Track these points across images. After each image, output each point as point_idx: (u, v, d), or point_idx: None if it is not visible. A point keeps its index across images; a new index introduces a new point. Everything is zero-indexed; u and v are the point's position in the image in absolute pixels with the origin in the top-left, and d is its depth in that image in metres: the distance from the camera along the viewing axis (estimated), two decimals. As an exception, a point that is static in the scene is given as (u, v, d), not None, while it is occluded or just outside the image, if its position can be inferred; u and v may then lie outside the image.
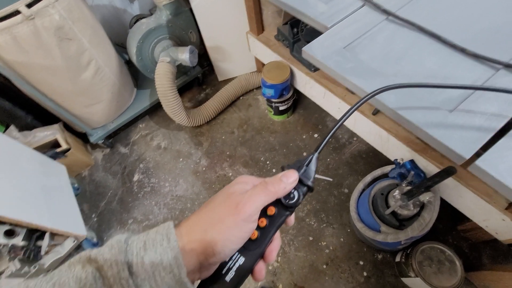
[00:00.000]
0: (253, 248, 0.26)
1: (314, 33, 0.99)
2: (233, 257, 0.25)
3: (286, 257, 1.05)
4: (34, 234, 1.00)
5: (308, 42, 0.58)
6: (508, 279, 0.79)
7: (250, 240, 0.26)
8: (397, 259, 0.96)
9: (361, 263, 1.01)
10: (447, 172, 0.65)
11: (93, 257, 0.23)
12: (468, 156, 0.44)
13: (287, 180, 0.27)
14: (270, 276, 1.02)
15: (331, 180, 1.19)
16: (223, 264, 0.26)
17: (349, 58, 0.52)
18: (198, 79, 1.61)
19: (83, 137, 1.48)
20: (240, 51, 1.46)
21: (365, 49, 0.54)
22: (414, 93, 0.51)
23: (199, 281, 0.26)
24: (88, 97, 1.25)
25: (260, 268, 0.26)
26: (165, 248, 0.23)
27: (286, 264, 1.04)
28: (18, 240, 0.94)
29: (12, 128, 1.21)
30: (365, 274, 0.99)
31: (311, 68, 1.11)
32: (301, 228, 1.10)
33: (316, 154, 0.29)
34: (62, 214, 1.09)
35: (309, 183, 0.28)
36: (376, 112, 0.95)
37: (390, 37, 0.56)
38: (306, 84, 1.18)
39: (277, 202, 0.27)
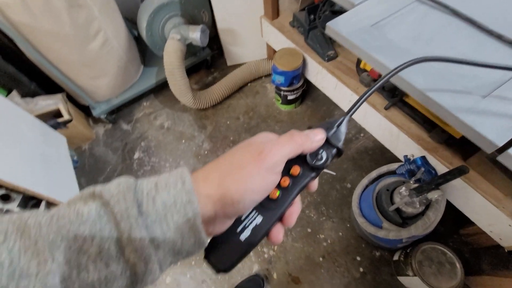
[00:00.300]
0: (273, 208, 0.24)
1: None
2: (250, 216, 0.24)
3: (282, 247, 1.04)
4: (30, 201, 0.98)
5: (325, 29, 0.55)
6: (509, 285, 0.78)
7: (270, 199, 0.24)
8: (395, 257, 0.95)
9: (358, 258, 0.99)
10: (460, 171, 0.63)
11: (98, 193, 0.20)
12: (501, 143, 0.42)
13: (314, 137, 0.25)
14: (265, 264, 1.01)
15: (335, 174, 1.17)
16: (238, 222, 0.24)
17: (377, 36, 0.49)
18: (207, 61, 1.57)
19: (85, 110, 1.45)
20: (252, 36, 1.42)
21: (393, 29, 0.51)
22: (445, 75, 0.48)
23: (210, 238, 0.24)
24: (93, 69, 1.22)
25: (278, 230, 0.24)
26: (179, 191, 0.21)
27: (282, 253, 1.03)
28: (13, 206, 0.92)
29: (14, 93, 1.18)
30: (361, 270, 0.97)
31: (325, 57, 1.08)
32: (300, 219, 1.09)
33: (347, 117, 0.27)
34: (60, 185, 1.08)
35: (339, 145, 0.26)
36: (388, 106, 0.92)
37: (421, 18, 0.53)
38: (317, 74, 1.15)
39: (302, 162, 0.25)
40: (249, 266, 1.01)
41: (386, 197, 0.84)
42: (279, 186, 0.24)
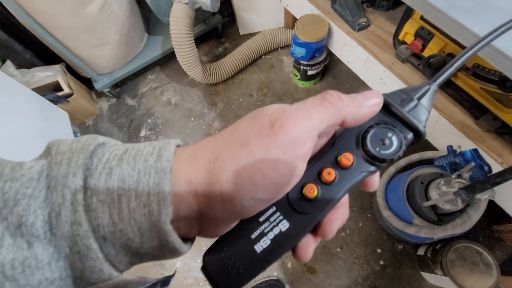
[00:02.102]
0: (307, 212, 0.16)
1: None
2: (272, 218, 0.16)
3: (297, 235, 0.99)
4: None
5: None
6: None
7: (303, 198, 0.16)
8: (420, 252, 0.89)
9: (379, 251, 0.94)
10: (522, 169, 0.53)
11: (50, 147, 0.15)
12: None
13: (365, 101, 0.16)
14: (279, 253, 0.97)
15: (356, 159, 1.08)
16: (253, 223, 0.16)
17: None
18: (217, 30, 1.42)
19: (87, 83, 1.35)
20: (268, 1, 1.25)
21: None
22: None
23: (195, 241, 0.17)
24: (93, 36, 1.09)
25: (308, 243, 0.16)
26: (149, 167, 0.14)
27: (297, 242, 0.98)
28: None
29: (8, 63, 1.08)
30: (381, 262, 0.92)
31: (355, 26, 0.93)
32: (317, 207, 1.02)
33: (434, 86, 0.18)
34: (63, 164, 1.02)
35: (420, 127, 0.17)
36: (430, 87, 0.79)
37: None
38: (344, 46, 1.01)
39: (358, 148, 0.17)
40: (262, 254, 0.97)
41: (420, 190, 0.75)
42: (319, 180, 0.16)
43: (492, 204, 0.75)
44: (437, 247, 0.81)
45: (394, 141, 0.17)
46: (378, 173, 0.18)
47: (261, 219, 0.16)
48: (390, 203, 0.84)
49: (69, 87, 1.17)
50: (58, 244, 0.13)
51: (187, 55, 1.12)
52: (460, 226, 0.69)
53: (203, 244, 1.01)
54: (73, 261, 0.14)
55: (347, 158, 0.17)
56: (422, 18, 0.74)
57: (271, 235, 0.16)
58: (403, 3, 0.93)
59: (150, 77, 1.40)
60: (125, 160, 0.14)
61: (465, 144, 0.73)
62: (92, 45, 1.12)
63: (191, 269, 0.98)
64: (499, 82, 0.60)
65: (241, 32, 1.45)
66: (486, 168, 0.59)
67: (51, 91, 1.12)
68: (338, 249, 0.95)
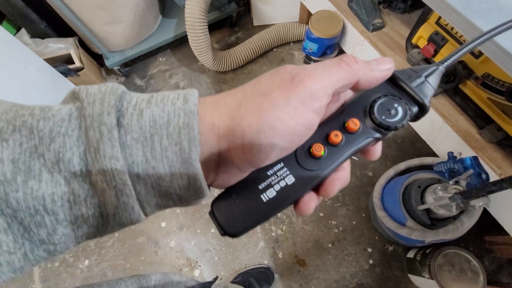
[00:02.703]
0: (312, 169, 0.17)
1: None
2: (279, 172, 0.18)
3: (291, 227, 1.00)
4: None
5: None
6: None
7: (310, 156, 0.17)
8: (410, 255, 0.90)
9: (369, 250, 0.95)
10: (519, 179, 0.54)
11: (76, 91, 0.15)
12: None
13: (378, 66, 0.17)
14: (272, 243, 0.99)
15: (357, 159, 1.09)
16: (261, 176, 0.17)
17: None
18: (231, 18, 1.42)
19: (98, 60, 1.36)
20: (285, -7, 1.25)
21: None
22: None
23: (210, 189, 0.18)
24: (108, 12, 1.10)
25: (310, 198, 0.18)
26: (178, 109, 0.15)
27: (290, 234, 0.99)
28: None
29: (23, 32, 1.09)
30: (371, 262, 0.94)
31: (370, 26, 0.93)
32: (313, 202, 1.03)
33: (441, 67, 0.19)
34: (69, 136, 1.04)
35: (425, 101, 0.18)
36: (438, 92, 0.80)
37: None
38: (357, 45, 1.01)
39: (365, 116, 0.18)
40: (255, 242, 0.99)
41: (416, 194, 0.76)
42: (326, 141, 0.18)
43: (486, 215, 0.77)
44: (427, 251, 0.82)
45: (399, 111, 0.18)
46: (380, 143, 0.20)
47: (269, 173, 0.18)
48: (385, 204, 0.85)
49: (81, 61, 1.18)
50: (93, 181, 0.14)
51: (199, 40, 1.12)
52: (452, 232, 0.70)
53: (197, 227, 1.03)
54: (109, 196, 0.14)
55: (354, 123, 0.18)
56: (437, 23, 0.74)
57: (277, 187, 0.17)
58: (420, 7, 0.93)
59: (161, 59, 1.41)
60: (153, 103, 0.15)
61: (467, 153, 0.74)
62: (107, 21, 1.13)
63: (184, 249, 1.00)
64: (507, 93, 0.61)
65: (255, 23, 1.44)
66: (484, 176, 0.60)
67: (62, 63, 1.13)
68: (330, 245, 0.97)
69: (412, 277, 0.88)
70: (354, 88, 0.18)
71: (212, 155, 0.16)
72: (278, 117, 0.15)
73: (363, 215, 1.00)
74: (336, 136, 0.18)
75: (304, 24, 1.32)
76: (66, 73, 1.11)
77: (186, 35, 1.14)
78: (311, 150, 0.18)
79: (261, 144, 0.15)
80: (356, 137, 0.18)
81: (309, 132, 0.17)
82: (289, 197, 0.17)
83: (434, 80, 0.19)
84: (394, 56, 0.90)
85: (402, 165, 0.91)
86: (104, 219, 0.15)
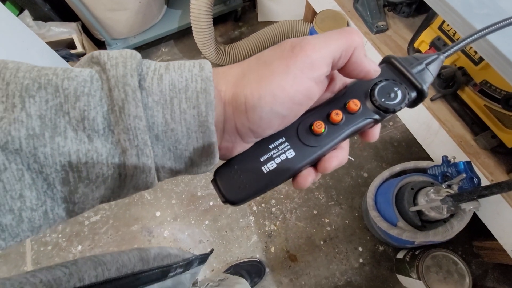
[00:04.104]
0: (312, 145, 0.19)
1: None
2: (280, 146, 0.19)
3: (285, 223, 1.01)
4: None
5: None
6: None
7: (310, 132, 0.19)
8: (400, 255, 0.92)
9: (360, 249, 0.97)
10: (509, 185, 0.55)
11: (95, 56, 0.15)
12: None
13: (370, 60, 0.18)
14: (265, 237, 1.00)
15: (353, 160, 1.10)
16: (263, 148, 0.18)
17: (484, 1, 0.38)
18: (236, 13, 1.42)
19: (100, 46, 1.36)
20: (292, -9, 1.25)
21: None
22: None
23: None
24: (113, -1, 1.09)
25: (308, 173, 0.19)
26: (195, 75, 0.16)
27: (283, 229, 1.01)
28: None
29: (26, 13, 1.08)
30: (361, 260, 0.95)
31: (373, 28, 0.94)
32: (308, 199, 1.05)
33: (442, 56, 0.20)
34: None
35: (424, 87, 0.19)
36: (436, 97, 0.81)
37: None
38: (360, 47, 1.01)
39: (366, 98, 0.19)
40: (248, 236, 1.00)
41: (409, 196, 0.77)
42: (327, 119, 0.19)
43: (475, 221, 0.78)
44: (416, 253, 0.84)
45: (398, 95, 0.19)
46: (379, 126, 0.20)
47: (271, 146, 0.19)
48: (378, 204, 0.86)
49: (83, 46, 1.17)
50: (116, 140, 0.14)
51: (203, 32, 1.12)
52: (442, 234, 0.71)
53: (192, 218, 1.04)
54: (130, 156, 0.15)
55: (355, 104, 0.19)
56: (440, 28, 0.75)
57: (277, 160, 0.18)
58: (424, 12, 0.94)
59: (163, 49, 1.41)
60: (171, 69, 0.16)
61: (461, 158, 0.75)
62: (111, 8, 1.13)
63: (178, 239, 1.01)
64: (502, 100, 0.62)
65: (260, 19, 1.45)
66: (476, 180, 0.61)
67: (64, 48, 1.12)
68: (322, 242, 0.98)
69: (400, 277, 0.90)
70: (345, 72, 0.18)
71: (218, 122, 0.17)
72: (278, 85, 0.16)
73: (356, 214, 1.02)
74: (337, 115, 0.18)
75: (309, 23, 1.32)
76: (67, 58, 1.11)
77: (190, 27, 1.14)
78: (312, 127, 0.18)
79: (262, 111, 0.16)
80: (356, 117, 0.19)
81: (308, 101, 0.17)
82: (289, 170, 0.18)
83: (434, 68, 0.20)
84: (396, 59, 0.91)
85: (397, 167, 0.92)
86: (122, 181, 0.15)
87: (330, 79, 0.20)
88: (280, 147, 0.18)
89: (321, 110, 0.19)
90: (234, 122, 0.17)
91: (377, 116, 0.19)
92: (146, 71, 0.16)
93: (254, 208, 1.04)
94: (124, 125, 0.14)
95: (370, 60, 0.18)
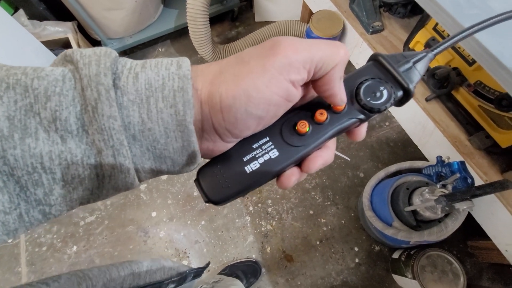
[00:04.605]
0: (296, 145, 0.18)
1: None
2: (264, 146, 0.18)
3: (281, 224, 1.01)
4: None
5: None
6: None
7: (294, 132, 0.18)
8: (395, 255, 0.92)
9: (356, 249, 0.97)
10: (502, 185, 0.56)
11: (69, 54, 0.15)
12: None
13: (342, 87, 0.18)
14: (261, 237, 1.00)
15: (349, 160, 1.10)
16: (246, 148, 0.18)
17: (474, 2, 0.38)
18: (233, 12, 1.42)
19: (97, 46, 1.35)
20: (288, -9, 1.25)
21: None
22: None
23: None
24: (109, -2, 1.09)
25: (292, 173, 0.18)
26: (172, 74, 0.15)
27: (279, 230, 1.01)
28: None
29: (21, 12, 1.08)
30: (356, 260, 0.95)
31: (369, 29, 0.94)
32: (304, 199, 1.05)
33: (431, 54, 0.20)
34: (62, 120, 1.03)
35: (410, 86, 0.19)
36: (431, 98, 0.81)
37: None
38: (356, 47, 1.02)
39: (351, 97, 0.19)
40: (244, 236, 1.00)
41: (404, 195, 0.78)
42: (311, 119, 0.19)
43: (470, 221, 0.79)
44: (411, 252, 0.84)
45: (384, 94, 0.18)
46: (365, 125, 0.20)
47: (254, 146, 0.18)
48: (374, 204, 0.87)
49: (78, 46, 1.16)
50: (90, 141, 0.14)
51: (199, 32, 1.12)
52: (436, 234, 0.71)
53: (188, 218, 1.03)
54: (106, 156, 0.14)
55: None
56: (434, 29, 0.75)
57: (261, 160, 0.18)
58: (419, 13, 0.94)
59: (160, 49, 1.40)
60: (147, 67, 0.15)
61: (455, 158, 0.75)
62: (107, 7, 1.12)
63: (173, 240, 1.00)
64: (495, 101, 0.62)
65: (257, 19, 1.45)
66: (469, 180, 0.61)
67: (59, 47, 1.12)
68: (318, 242, 0.98)
69: (396, 277, 0.90)
70: (314, 85, 0.18)
71: (196, 121, 0.16)
72: (254, 85, 0.15)
73: (352, 214, 1.02)
74: (321, 115, 0.18)
75: (306, 23, 1.32)
76: (63, 57, 1.10)
77: (187, 27, 1.14)
78: (296, 127, 0.18)
79: (237, 111, 0.15)
80: (340, 117, 0.19)
81: (287, 103, 0.17)
82: (272, 171, 0.18)
83: (422, 66, 0.19)
84: (391, 59, 0.92)
85: (393, 167, 0.92)
86: (100, 181, 0.15)
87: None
88: (263, 147, 0.18)
89: (305, 109, 0.19)
90: (211, 121, 0.16)
91: (362, 116, 0.19)
92: (121, 69, 0.15)
93: (251, 208, 1.04)
94: (98, 125, 0.14)
95: (342, 86, 0.18)
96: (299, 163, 0.19)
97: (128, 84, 0.15)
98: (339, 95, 0.18)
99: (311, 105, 0.19)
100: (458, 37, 0.20)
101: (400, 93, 0.19)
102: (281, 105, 0.16)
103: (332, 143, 0.20)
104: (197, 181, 0.18)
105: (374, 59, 0.20)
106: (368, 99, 0.18)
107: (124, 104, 0.15)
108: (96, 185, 0.15)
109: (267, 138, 0.18)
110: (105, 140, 0.14)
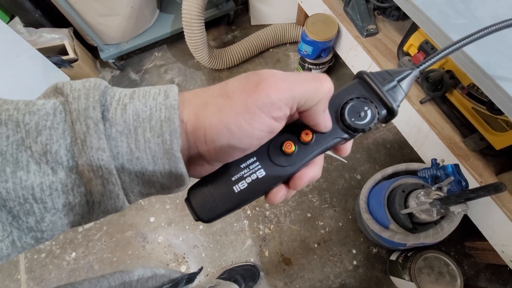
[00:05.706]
0: (282, 165, 0.19)
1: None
2: (251, 166, 0.19)
3: (279, 227, 1.02)
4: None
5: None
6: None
7: (281, 152, 0.19)
8: (393, 257, 0.92)
9: (354, 251, 0.97)
10: (496, 188, 0.56)
11: (59, 87, 0.16)
12: None
13: (327, 116, 0.19)
14: (259, 241, 1.00)
15: (346, 162, 1.10)
16: (235, 168, 0.19)
17: (461, 11, 0.38)
18: (229, 16, 1.42)
19: (93, 52, 1.35)
20: (284, -6, 1.26)
21: (485, 4, 0.39)
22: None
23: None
24: (104, 4, 1.09)
25: (279, 190, 0.19)
26: (159, 104, 0.16)
27: (277, 233, 1.01)
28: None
29: (16, 20, 1.08)
30: (354, 263, 0.96)
31: (364, 32, 0.94)
32: (302, 202, 1.05)
33: (416, 71, 0.20)
34: (60, 127, 1.03)
35: (394, 105, 0.19)
36: (425, 100, 0.82)
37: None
38: (350, 50, 1.02)
39: (336, 117, 0.19)
40: (242, 240, 1.00)
41: (400, 198, 0.78)
42: (297, 139, 0.19)
43: (467, 222, 0.79)
44: (408, 254, 0.84)
45: (368, 114, 0.19)
46: (351, 142, 0.21)
47: (242, 165, 0.19)
48: (371, 207, 0.87)
49: (75, 52, 1.17)
50: (80, 171, 0.15)
51: (195, 37, 1.12)
52: (432, 236, 0.72)
53: (186, 223, 1.04)
54: (95, 185, 0.15)
55: None
56: (427, 32, 0.76)
57: (248, 179, 0.18)
58: (413, 16, 0.94)
59: (156, 54, 1.41)
60: (135, 98, 0.16)
61: (451, 160, 0.76)
62: (103, 13, 1.12)
63: (172, 245, 1.01)
64: (488, 104, 0.63)
65: (253, 22, 1.45)
66: (463, 183, 0.62)
67: (56, 54, 1.12)
68: (316, 245, 0.99)
69: (393, 279, 0.91)
70: (300, 115, 0.18)
71: (183, 149, 0.17)
72: (236, 121, 0.16)
73: (350, 217, 1.02)
74: (307, 135, 0.19)
75: (301, 26, 1.33)
76: (59, 64, 1.10)
77: (183, 31, 1.14)
78: (282, 147, 0.19)
79: (221, 144, 0.16)
80: (325, 137, 0.19)
81: (269, 135, 0.17)
82: (259, 190, 0.19)
83: (406, 84, 0.20)
84: (386, 62, 0.92)
85: (389, 170, 0.93)
86: (90, 207, 0.16)
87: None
88: (251, 167, 0.19)
89: (291, 129, 0.19)
90: (197, 150, 0.17)
91: (346, 136, 0.19)
92: (110, 101, 0.16)
93: (249, 212, 1.04)
94: (87, 157, 0.14)
95: (326, 116, 0.18)
96: (287, 180, 0.19)
97: (117, 115, 0.15)
98: (323, 124, 0.18)
99: (297, 125, 0.20)
100: (444, 52, 0.21)
101: (384, 112, 0.19)
102: (263, 137, 0.17)
103: (320, 159, 0.20)
104: (187, 200, 0.19)
105: (360, 77, 0.20)
106: (353, 119, 0.19)
107: (112, 136, 0.15)
108: (86, 211, 0.16)
109: (255, 158, 0.19)
110: (94, 170, 0.15)
